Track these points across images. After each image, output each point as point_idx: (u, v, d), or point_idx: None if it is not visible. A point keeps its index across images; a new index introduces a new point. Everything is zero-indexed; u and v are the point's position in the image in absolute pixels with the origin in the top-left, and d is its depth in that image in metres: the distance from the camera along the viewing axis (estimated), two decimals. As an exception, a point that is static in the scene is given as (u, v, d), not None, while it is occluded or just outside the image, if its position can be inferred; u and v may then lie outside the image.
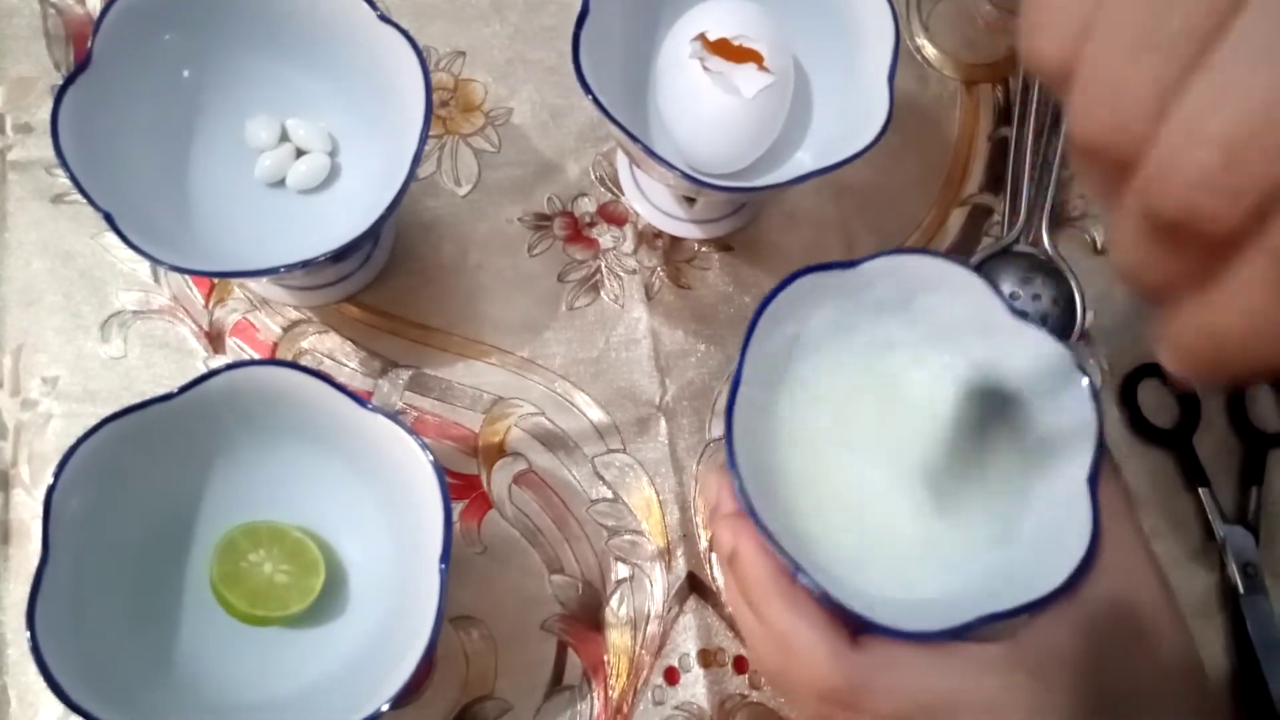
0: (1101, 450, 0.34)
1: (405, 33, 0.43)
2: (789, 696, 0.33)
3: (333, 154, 0.49)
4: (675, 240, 0.54)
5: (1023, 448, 0.37)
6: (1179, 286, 0.21)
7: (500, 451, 0.50)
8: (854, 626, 0.31)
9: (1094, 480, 0.33)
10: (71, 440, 0.37)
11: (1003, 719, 0.30)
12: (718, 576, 0.49)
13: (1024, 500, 0.37)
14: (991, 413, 0.38)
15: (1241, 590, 0.50)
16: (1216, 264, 0.19)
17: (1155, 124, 0.18)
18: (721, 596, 0.48)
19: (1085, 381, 0.35)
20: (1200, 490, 0.52)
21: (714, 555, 0.49)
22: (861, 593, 0.34)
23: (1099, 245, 0.56)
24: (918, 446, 0.39)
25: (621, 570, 0.48)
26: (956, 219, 0.56)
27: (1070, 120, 0.20)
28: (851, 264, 0.37)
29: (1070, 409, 0.35)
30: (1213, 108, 0.18)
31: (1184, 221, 0.19)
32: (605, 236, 0.54)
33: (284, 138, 0.48)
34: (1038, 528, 0.35)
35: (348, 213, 0.45)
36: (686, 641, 0.48)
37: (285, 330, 0.51)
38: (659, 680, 0.47)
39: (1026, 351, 0.37)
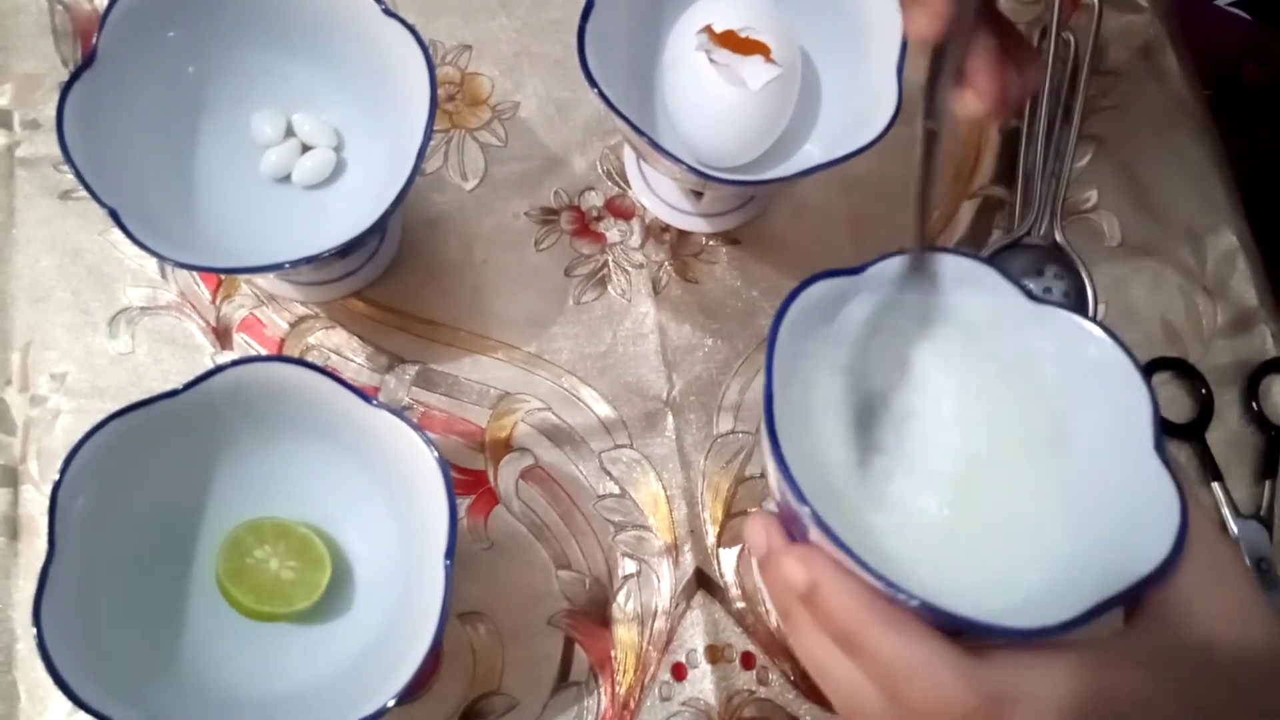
0: (1160, 421, 0.33)
1: (410, 26, 0.43)
2: None
3: (338, 149, 0.49)
4: (682, 234, 0.54)
5: (1071, 434, 0.36)
6: None
7: (507, 447, 0.49)
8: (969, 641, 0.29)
9: (1160, 448, 0.32)
10: (80, 436, 0.37)
11: (1159, 712, 0.28)
12: (725, 572, 0.48)
13: (1090, 488, 0.35)
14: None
15: (1255, 586, 0.50)
16: None
17: None
18: (734, 604, 0.48)
19: (1128, 357, 0.34)
20: (1214, 485, 0.52)
21: (722, 554, 0.48)
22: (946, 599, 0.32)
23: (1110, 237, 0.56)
24: (955, 443, 0.38)
25: (628, 566, 0.48)
26: (967, 211, 0.56)
27: None
28: (856, 270, 0.36)
29: (1117, 386, 0.34)
30: None
31: None
32: (612, 231, 0.53)
33: (289, 133, 0.48)
34: (1113, 515, 0.34)
35: (353, 208, 0.45)
36: (694, 637, 0.47)
37: (292, 326, 0.51)
38: (666, 676, 0.47)
39: (1061, 338, 0.36)
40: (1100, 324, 0.35)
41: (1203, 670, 0.29)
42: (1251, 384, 0.54)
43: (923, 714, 0.28)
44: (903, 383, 0.38)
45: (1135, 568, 0.30)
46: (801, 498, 0.30)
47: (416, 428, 0.39)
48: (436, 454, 0.38)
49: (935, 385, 0.38)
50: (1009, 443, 0.37)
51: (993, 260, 0.48)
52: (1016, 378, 0.37)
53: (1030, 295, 0.36)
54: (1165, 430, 0.52)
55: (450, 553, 0.37)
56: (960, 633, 0.29)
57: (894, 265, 0.36)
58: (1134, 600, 0.30)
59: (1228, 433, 0.53)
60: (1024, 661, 0.28)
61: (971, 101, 0.35)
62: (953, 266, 0.36)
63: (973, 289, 0.36)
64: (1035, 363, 0.37)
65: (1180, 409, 0.53)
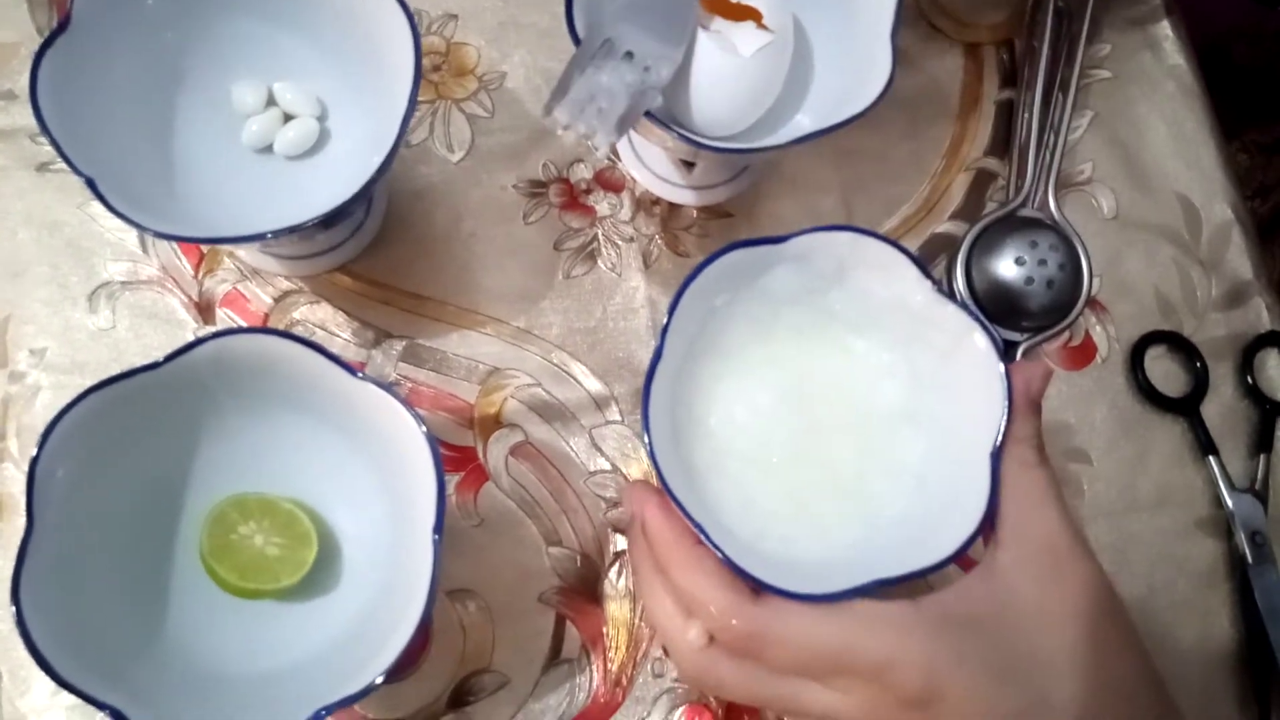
0: (1008, 428, 0.35)
1: (394, -7, 0.42)
2: (676, 653, 0.36)
3: (321, 119, 0.48)
4: (673, 207, 0.53)
5: (930, 415, 0.39)
6: None
7: (496, 423, 0.49)
8: (756, 586, 0.34)
9: (996, 457, 0.35)
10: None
11: (896, 670, 0.32)
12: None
13: (935, 468, 0.39)
14: None
15: (1250, 559, 0.49)
16: None
17: None
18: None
19: (1000, 366, 0.36)
20: (1209, 459, 0.51)
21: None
22: (775, 549, 0.38)
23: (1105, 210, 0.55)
24: (841, 413, 0.41)
25: (620, 542, 0.48)
26: (960, 183, 0.55)
27: None
28: (779, 239, 0.38)
29: (986, 387, 0.36)
30: None
31: None
32: (602, 204, 0.53)
33: (271, 102, 0.47)
34: (946, 495, 0.37)
35: (337, 179, 0.44)
36: (686, 613, 0.47)
37: (276, 301, 0.50)
38: (658, 653, 0.47)
39: (947, 331, 0.38)
40: (985, 327, 0.37)
41: (982, 652, 0.33)
42: (1246, 357, 0.54)
43: (711, 630, 0.35)
44: (793, 347, 0.41)
45: (930, 551, 0.34)
46: (646, 427, 0.35)
47: (404, 402, 0.38)
48: (425, 428, 0.38)
49: (820, 351, 0.41)
50: (871, 411, 0.41)
51: (981, 235, 0.50)
52: (899, 355, 0.41)
53: (936, 287, 0.38)
54: (1162, 404, 0.52)
55: (439, 527, 0.36)
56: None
57: (814, 239, 0.38)
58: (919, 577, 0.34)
59: (1222, 406, 0.53)
60: (793, 608, 0.33)
61: None
62: (865, 247, 0.38)
63: (883, 271, 0.39)
64: (919, 346, 0.40)
65: (1175, 383, 0.53)
